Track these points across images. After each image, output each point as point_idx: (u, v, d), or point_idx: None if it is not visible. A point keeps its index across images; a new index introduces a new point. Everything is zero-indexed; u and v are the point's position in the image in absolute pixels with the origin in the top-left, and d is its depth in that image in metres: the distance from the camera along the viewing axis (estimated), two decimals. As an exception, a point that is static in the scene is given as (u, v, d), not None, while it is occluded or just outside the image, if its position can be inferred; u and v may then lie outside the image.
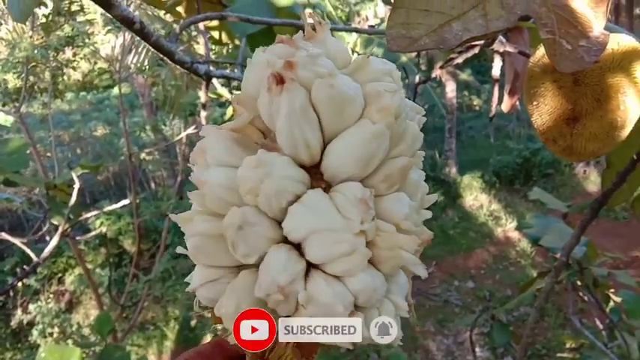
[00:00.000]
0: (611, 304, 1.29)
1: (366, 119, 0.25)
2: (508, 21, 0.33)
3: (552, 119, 0.47)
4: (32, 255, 1.37)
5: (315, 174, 0.26)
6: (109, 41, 4.54)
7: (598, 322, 1.62)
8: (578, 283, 1.26)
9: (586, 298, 1.33)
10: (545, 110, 0.47)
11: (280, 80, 0.24)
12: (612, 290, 1.30)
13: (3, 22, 4.14)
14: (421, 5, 0.33)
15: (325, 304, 0.24)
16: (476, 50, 0.74)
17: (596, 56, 0.33)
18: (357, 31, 1.05)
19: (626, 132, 0.46)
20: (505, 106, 0.84)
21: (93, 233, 2.04)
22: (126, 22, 0.69)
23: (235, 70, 1.35)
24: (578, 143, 0.46)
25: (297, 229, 0.25)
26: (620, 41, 0.46)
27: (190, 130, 3.05)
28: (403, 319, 0.27)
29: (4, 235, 1.38)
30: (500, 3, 0.34)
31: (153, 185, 5.64)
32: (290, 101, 0.24)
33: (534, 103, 0.48)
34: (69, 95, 7.43)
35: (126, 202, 1.52)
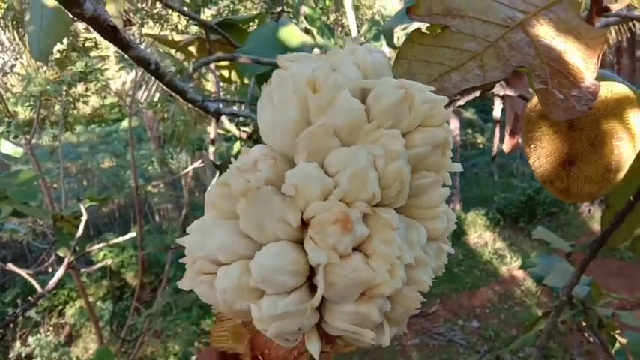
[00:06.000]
0: (617, 345, 1.28)
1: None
2: (504, 72, 0.35)
3: (549, 162, 0.49)
4: (37, 286, 1.37)
5: None
6: (120, 76, 4.65)
7: (604, 364, 1.60)
8: (584, 323, 1.25)
9: (591, 339, 1.32)
10: (542, 153, 0.49)
11: None
12: (618, 331, 1.28)
13: (18, 57, 4.26)
14: (423, 57, 0.35)
15: None
16: (477, 93, 0.77)
17: (587, 105, 0.35)
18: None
19: (620, 175, 0.48)
20: (506, 147, 0.86)
21: (98, 265, 2.06)
22: (142, 62, 0.72)
23: (243, 108, 1.39)
24: (575, 186, 0.48)
25: None
26: (612, 89, 0.48)
27: (197, 164, 3.09)
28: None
29: (11, 267, 1.39)
30: (496, 55, 0.36)
31: (157, 218, 5.66)
32: None
33: (532, 146, 0.50)
34: (78, 128, 7.53)
35: (132, 234, 1.53)
